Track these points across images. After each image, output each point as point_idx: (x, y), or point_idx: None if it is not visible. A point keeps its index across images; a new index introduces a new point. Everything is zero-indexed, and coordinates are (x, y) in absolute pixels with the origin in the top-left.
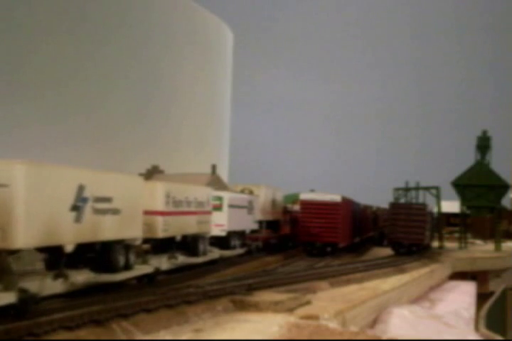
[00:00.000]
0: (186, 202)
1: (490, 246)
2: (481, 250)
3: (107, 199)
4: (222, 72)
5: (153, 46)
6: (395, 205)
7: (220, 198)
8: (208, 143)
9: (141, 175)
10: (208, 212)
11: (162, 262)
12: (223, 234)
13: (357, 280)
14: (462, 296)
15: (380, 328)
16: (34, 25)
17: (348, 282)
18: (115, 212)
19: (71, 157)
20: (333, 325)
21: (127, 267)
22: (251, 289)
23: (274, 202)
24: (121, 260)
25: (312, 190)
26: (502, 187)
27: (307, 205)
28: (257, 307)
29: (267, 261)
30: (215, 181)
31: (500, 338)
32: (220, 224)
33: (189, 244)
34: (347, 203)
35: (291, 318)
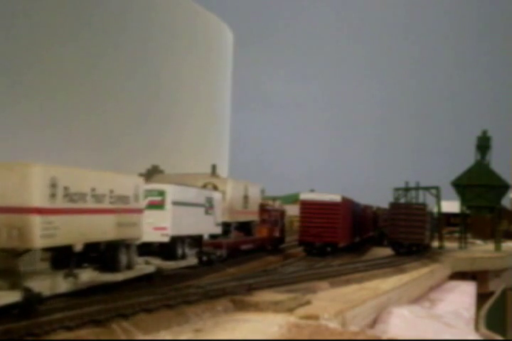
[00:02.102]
0: (93, 195)
1: (490, 246)
2: (481, 250)
3: None
4: (222, 72)
5: (153, 46)
6: (395, 205)
7: (161, 192)
8: (208, 143)
9: (141, 175)
10: (137, 211)
11: (56, 282)
12: (165, 239)
13: (357, 280)
14: (462, 296)
15: (380, 328)
16: (38, 30)
17: (348, 282)
18: None
19: (74, 158)
20: (333, 325)
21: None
22: (251, 289)
23: (246, 200)
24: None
25: (312, 190)
26: (502, 187)
27: (307, 205)
28: (257, 307)
29: (268, 261)
30: None
31: (500, 338)
32: (160, 226)
33: (104, 255)
34: (347, 203)
35: (291, 318)
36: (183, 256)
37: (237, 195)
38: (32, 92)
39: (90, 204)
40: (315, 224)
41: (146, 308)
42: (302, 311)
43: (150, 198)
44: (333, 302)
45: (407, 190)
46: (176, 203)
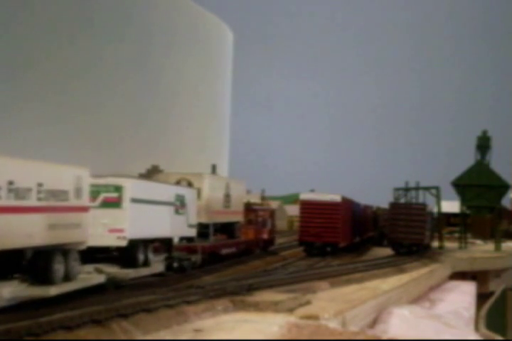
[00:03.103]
0: (11, 190)
1: (490, 246)
2: (481, 250)
3: None
4: (223, 72)
5: (153, 46)
6: (395, 205)
7: (117, 188)
8: (208, 143)
9: (141, 175)
10: (80, 209)
11: None
12: (122, 243)
13: (357, 280)
14: (462, 296)
15: (380, 328)
16: (37, 27)
17: (348, 282)
18: None
19: (74, 158)
20: (333, 325)
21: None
22: (251, 289)
23: (228, 199)
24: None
25: (312, 190)
26: (502, 187)
27: (307, 205)
28: (257, 307)
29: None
30: None
31: (500, 338)
32: (117, 228)
33: (33, 264)
34: (347, 203)
35: (291, 318)
36: (146, 263)
37: (216, 193)
38: (31, 92)
39: (6, 201)
40: (315, 224)
41: (146, 308)
42: (302, 311)
43: (105, 194)
44: (333, 302)
45: (407, 189)
46: (135, 200)
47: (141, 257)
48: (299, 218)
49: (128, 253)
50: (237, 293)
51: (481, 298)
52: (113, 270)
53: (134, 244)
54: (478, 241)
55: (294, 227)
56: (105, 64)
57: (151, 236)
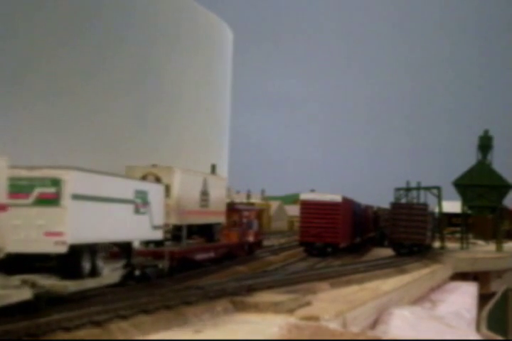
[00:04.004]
0: None
1: (492, 246)
2: (483, 250)
3: None
4: (223, 72)
5: (152, 46)
6: (396, 205)
7: (55, 181)
8: (208, 143)
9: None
10: None
11: None
12: (61, 250)
13: (358, 281)
14: (463, 297)
15: (381, 329)
16: (38, 29)
17: (349, 283)
18: None
19: (75, 159)
20: (334, 325)
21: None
22: (251, 290)
23: (205, 197)
24: None
25: (312, 190)
26: (504, 187)
27: (307, 205)
28: (257, 308)
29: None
30: None
31: (501, 339)
32: (54, 231)
33: None
34: (347, 203)
35: (291, 319)
36: (94, 272)
37: (190, 190)
38: (33, 95)
39: None
40: (315, 225)
41: (145, 309)
42: (302, 312)
43: (39, 190)
44: (333, 303)
45: (408, 190)
46: (79, 197)
47: (86, 266)
48: (299, 218)
49: (69, 262)
50: (237, 294)
51: (483, 298)
52: (48, 282)
53: (77, 250)
54: (480, 242)
55: (294, 227)
56: (105, 67)
57: (100, 241)
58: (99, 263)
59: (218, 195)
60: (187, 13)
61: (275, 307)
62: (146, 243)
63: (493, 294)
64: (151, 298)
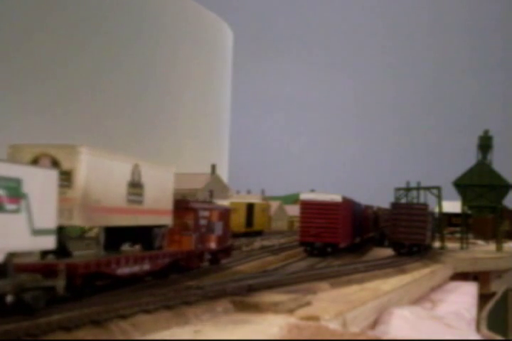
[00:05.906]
0: None
1: (492, 246)
2: (483, 250)
3: None
4: (223, 72)
5: (153, 45)
6: (396, 205)
7: None
8: (208, 143)
9: None
10: None
11: None
12: None
13: (358, 281)
14: (464, 297)
15: (381, 329)
16: (27, 15)
17: (349, 283)
18: None
19: None
20: (334, 325)
21: None
22: (251, 290)
23: (138, 190)
24: None
25: (312, 190)
26: (504, 187)
27: (307, 205)
28: (257, 308)
29: (268, 261)
30: (214, 181)
31: (501, 339)
32: None
33: None
34: (347, 203)
35: (291, 319)
36: None
37: (107, 180)
38: (39, 99)
39: None
40: (315, 225)
41: (145, 309)
42: (302, 312)
43: None
44: (333, 303)
45: (408, 190)
46: None
47: None
48: (299, 218)
49: None
50: (237, 294)
51: (483, 298)
52: None
53: None
54: (480, 242)
55: (294, 227)
56: (105, 68)
57: None
58: None
59: (160, 189)
60: (187, 13)
61: (275, 307)
62: (43, 253)
63: (493, 294)
64: (151, 297)
